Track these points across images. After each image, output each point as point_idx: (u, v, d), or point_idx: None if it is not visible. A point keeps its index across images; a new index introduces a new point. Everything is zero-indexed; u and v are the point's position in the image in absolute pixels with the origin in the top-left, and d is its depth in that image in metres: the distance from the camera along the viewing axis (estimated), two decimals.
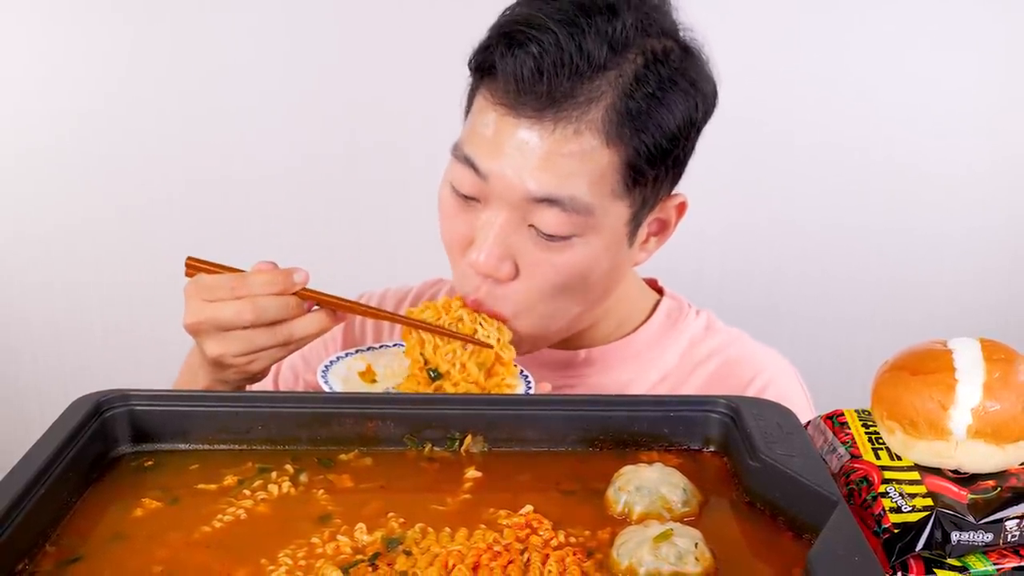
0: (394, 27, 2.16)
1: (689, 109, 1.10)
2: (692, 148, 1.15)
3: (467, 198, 1.12)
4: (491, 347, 1.12)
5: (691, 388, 1.27)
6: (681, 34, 1.13)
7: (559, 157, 1.06)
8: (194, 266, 1.10)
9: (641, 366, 1.29)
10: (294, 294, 1.08)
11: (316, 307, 1.11)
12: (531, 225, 1.09)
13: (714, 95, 1.15)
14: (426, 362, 1.14)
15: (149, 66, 2.21)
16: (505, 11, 1.11)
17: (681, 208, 1.21)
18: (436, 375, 1.13)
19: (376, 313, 1.18)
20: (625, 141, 1.07)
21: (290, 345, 1.09)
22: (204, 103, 2.24)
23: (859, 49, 2.17)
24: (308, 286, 1.10)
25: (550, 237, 1.09)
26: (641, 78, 1.07)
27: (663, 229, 1.22)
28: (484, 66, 1.10)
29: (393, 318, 1.18)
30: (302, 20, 2.18)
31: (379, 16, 2.17)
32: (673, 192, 1.18)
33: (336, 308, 1.12)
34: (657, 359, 1.30)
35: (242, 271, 1.09)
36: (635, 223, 1.15)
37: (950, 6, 2.14)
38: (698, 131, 1.14)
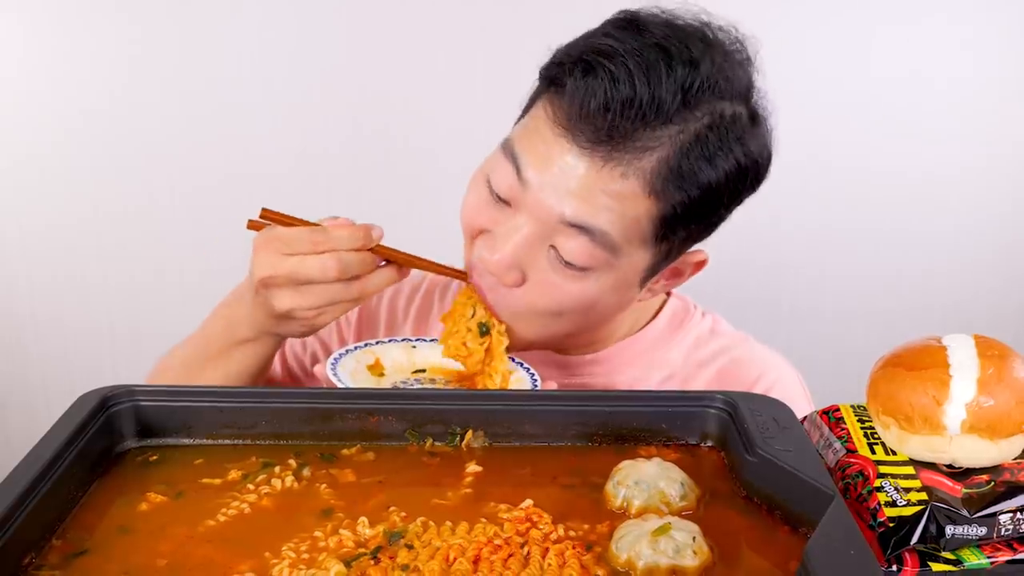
0: (398, 27, 2.16)
1: (738, 180, 1.08)
2: (728, 215, 1.14)
3: (499, 199, 1.10)
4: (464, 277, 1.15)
5: (696, 388, 1.27)
6: (754, 100, 1.10)
7: (600, 193, 1.04)
8: (266, 217, 1.09)
9: (646, 365, 1.29)
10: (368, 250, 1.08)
11: (383, 262, 1.11)
12: (552, 246, 1.08)
13: (767, 168, 1.12)
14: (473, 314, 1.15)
15: (155, 65, 2.22)
16: (588, 33, 1.09)
17: (699, 266, 1.20)
18: (485, 330, 1.14)
19: (438, 268, 1.17)
20: (667, 196, 1.06)
21: (361, 299, 1.10)
22: (210, 102, 2.24)
23: (855, 49, 2.17)
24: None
25: (568, 264, 1.08)
26: (702, 139, 1.04)
27: (675, 277, 1.21)
28: (555, 80, 1.08)
29: (446, 270, 1.18)
30: (307, 19, 2.19)
31: (383, 16, 2.17)
32: (694, 248, 1.17)
33: (405, 264, 1.12)
34: (662, 358, 1.30)
35: (318, 224, 1.08)
36: (652, 271, 1.14)
37: (945, 8, 2.15)
38: (740, 202, 1.13)
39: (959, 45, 2.17)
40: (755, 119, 1.10)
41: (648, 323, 1.32)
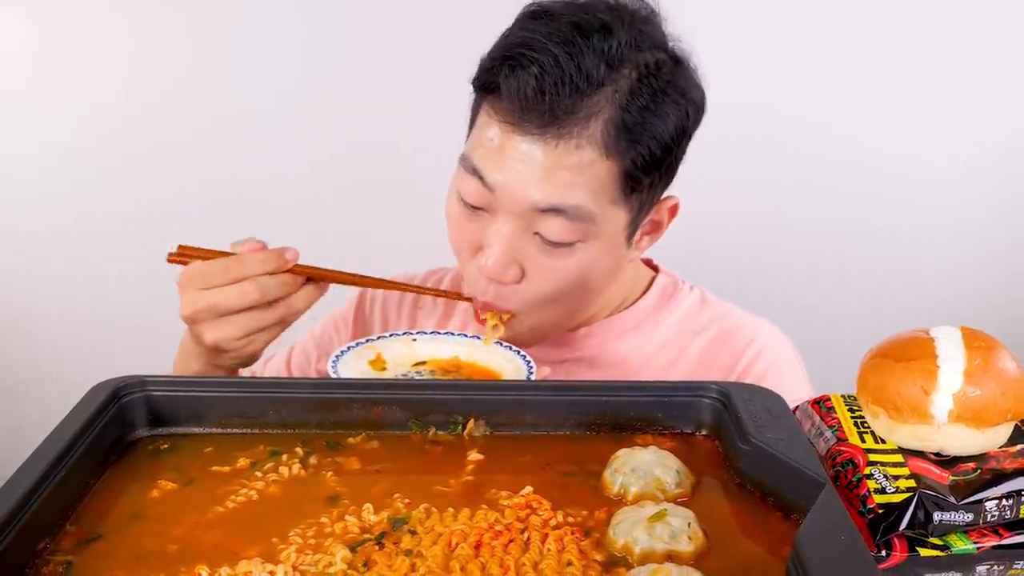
0: (404, 31, 2.18)
1: (680, 118, 1.14)
2: (684, 153, 1.19)
3: (474, 208, 1.15)
4: (469, 300, 1.20)
5: (690, 357, 1.31)
6: (671, 45, 1.16)
7: (561, 170, 1.09)
8: (183, 254, 1.11)
9: (640, 337, 1.33)
10: (286, 271, 1.10)
11: (306, 281, 1.13)
12: (536, 233, 1.13)
13: (703, 102, 1.18)
14: None
15: (167, 66, 2.24)
16: (505, 33, 1.15)
17: (673, 210, 1.25)
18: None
19: (362, 280, 1.20)
20: (622, 152, 1.11)
21: (286, 321, 1.12)
22: (219, 101, 2.26)
23: (848, 48, 2.19)
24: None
25: (554, 244, 1.13)
26: (636, 92, 1.10)
27: (656, 229, 1.26)
28: (488, 85, 1.13)
29: (377, 283, 1.22)
30: (315, 22, 2.20)
31: (390, 19, 2.19)
32: (666, 195, 1.22)
33: (326, 279, 1.15)
34: (654, 330, 1.34)
35: (232, 253, 1.10)
36: (633, 227, 1.19)
37: (936, 7, 2.15)
38: (689, 138, 1.18)
39: (949, 44, 2.18)
40: (678, 61, 1.16)
41: (639, 298, 1.36)
